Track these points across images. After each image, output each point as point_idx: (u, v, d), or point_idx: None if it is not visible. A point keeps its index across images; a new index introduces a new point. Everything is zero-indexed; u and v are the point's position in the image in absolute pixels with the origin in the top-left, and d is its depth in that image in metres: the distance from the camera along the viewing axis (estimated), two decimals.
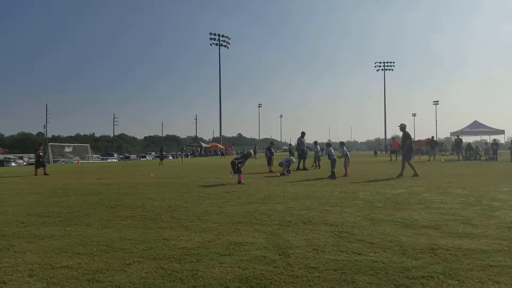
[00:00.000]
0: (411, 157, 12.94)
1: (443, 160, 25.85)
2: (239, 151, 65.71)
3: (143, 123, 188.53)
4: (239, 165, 11.01)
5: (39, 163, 17.69)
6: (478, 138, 46.70)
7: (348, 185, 9.93)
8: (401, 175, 12.31)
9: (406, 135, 12.95)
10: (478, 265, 3.18)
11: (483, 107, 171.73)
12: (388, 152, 34.97)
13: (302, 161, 17.19)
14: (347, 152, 13.62)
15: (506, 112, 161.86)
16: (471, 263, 3.24)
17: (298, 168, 16.80)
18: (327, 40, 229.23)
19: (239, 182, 10.61)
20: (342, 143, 14.34)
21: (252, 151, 13.02)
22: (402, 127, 13.10)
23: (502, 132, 36.22)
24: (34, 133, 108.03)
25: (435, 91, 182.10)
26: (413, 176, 12.10)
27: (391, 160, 27.20)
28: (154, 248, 3.85)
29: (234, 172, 11.09)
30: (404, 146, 12.94)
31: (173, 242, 4.10)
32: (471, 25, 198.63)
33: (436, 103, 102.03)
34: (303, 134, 17.76)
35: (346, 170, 13.12)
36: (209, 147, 72.76)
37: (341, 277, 2.95)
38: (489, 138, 45.32)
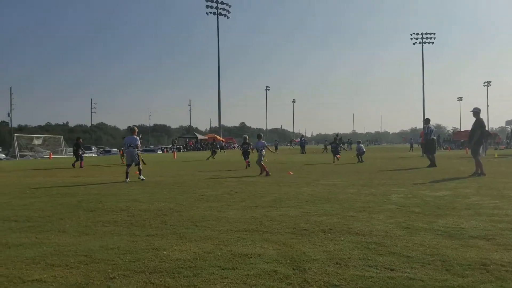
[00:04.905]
0: (480, 151, 12.68)
1: (496, 156, 25.66)
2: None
3: (126, 110, 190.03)
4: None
5: None
6: None
7: (377, 186, 9.92)
8: (482, 173, 12.11)
9: (479, 123, 12.60)
10: None
11: None
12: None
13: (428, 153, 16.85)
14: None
15: None
16: None
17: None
18: (350, 6, 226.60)
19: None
20: (359, 142, 16.49)
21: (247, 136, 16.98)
22: (476, 112, 12.74)
23: None
24: None
25: (485, 69, 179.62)
26: (477, 174, 12.10)
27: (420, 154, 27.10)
28: (142, 260, 3.90)
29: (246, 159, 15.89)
30: (473, 137, 12.60)
31: (165, 252, 4.15)
32: None
33: (487, 84, 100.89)
34: (427, 121, 17.63)
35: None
36: (206, 139, 72.98)
37: None
38: None
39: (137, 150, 12.57)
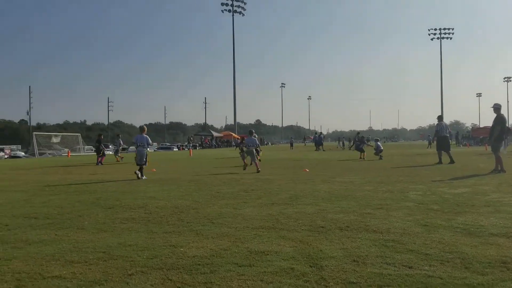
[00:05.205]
0: (500, 147, 12.64)
1: None
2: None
3: (142, 108, 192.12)
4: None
5: None
6: None
7: (394, 183, 9.83)
8: (502, 170, 11.99)
9: (499, 119, 12.53)
10: None
11: None
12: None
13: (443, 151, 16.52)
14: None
15: None
16: None
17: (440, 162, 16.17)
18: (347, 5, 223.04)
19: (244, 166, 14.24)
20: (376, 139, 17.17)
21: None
22: (497, 108, 12.66)
23: None
24: (16, 120, 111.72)
25: (505, 64, 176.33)
26: (497, 171, 11.96)
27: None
28: (159, 256, 3.95)
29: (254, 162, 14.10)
30: (494, 133, 12.56)
31: (182, 249, 4.20)
32: None
33: (508, 79, 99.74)
34: (440, 118, 17.30)
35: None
36: (222, 137, 73.24)
37: None
38: None
39: (146, 149, 12.47)
